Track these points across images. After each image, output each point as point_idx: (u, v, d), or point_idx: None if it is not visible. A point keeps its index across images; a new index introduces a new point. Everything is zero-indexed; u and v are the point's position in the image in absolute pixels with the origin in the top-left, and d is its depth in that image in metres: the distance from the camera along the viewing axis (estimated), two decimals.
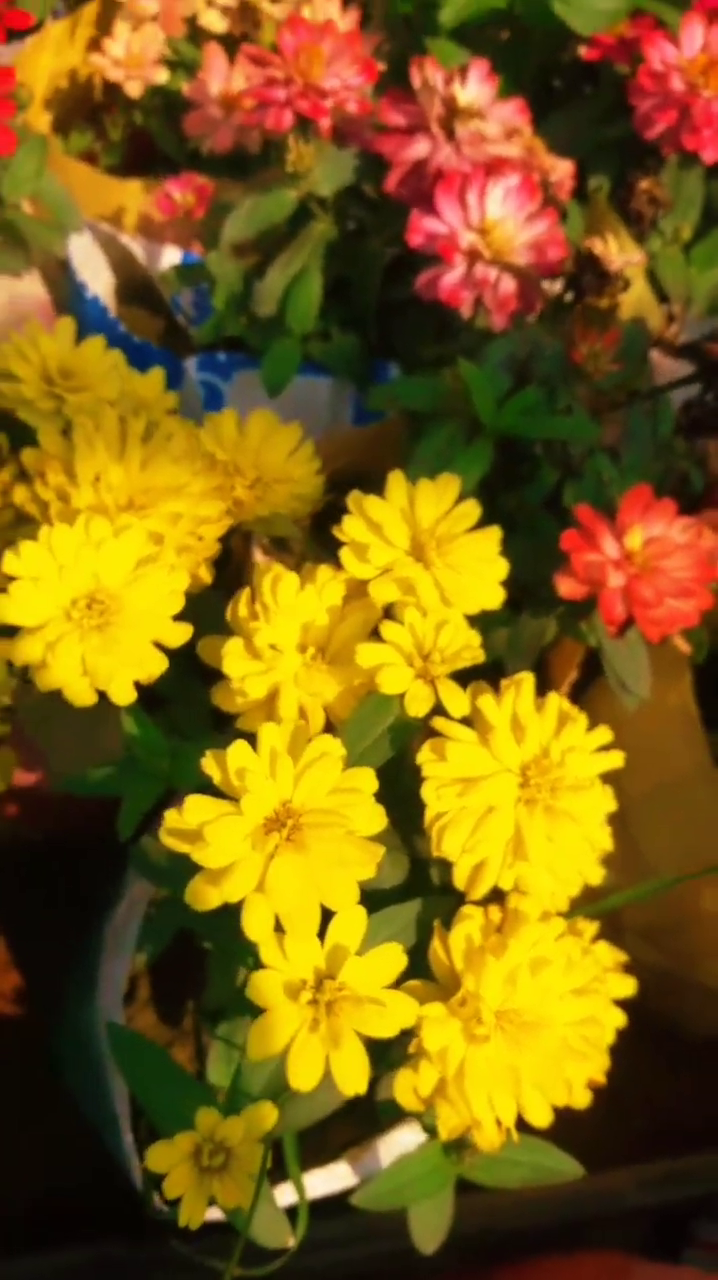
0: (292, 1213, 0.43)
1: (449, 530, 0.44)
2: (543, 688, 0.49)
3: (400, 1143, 0.48)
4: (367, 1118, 0.45)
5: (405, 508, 0.44)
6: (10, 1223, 0.59)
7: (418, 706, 0.40)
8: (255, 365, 0.65)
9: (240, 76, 0.67)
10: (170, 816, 0.36)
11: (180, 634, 0.42)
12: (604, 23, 0.68)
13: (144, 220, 0.71)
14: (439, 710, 0.41)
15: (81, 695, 0.40)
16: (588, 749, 0.42)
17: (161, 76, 0.70)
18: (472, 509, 0.45)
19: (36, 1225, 0.59)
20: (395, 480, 0.44)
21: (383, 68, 0.70)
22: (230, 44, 0.70)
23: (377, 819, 0.37)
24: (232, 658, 0.42)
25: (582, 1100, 0.41)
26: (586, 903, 0.44)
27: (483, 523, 0.45)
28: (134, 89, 0.70)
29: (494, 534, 0.45)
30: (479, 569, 0.44)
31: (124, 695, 0.41)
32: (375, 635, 0.42)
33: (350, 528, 0.43)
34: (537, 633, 0.55)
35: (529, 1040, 0.39)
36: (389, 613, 0.43)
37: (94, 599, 0.41)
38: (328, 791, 0.36)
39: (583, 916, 0.48)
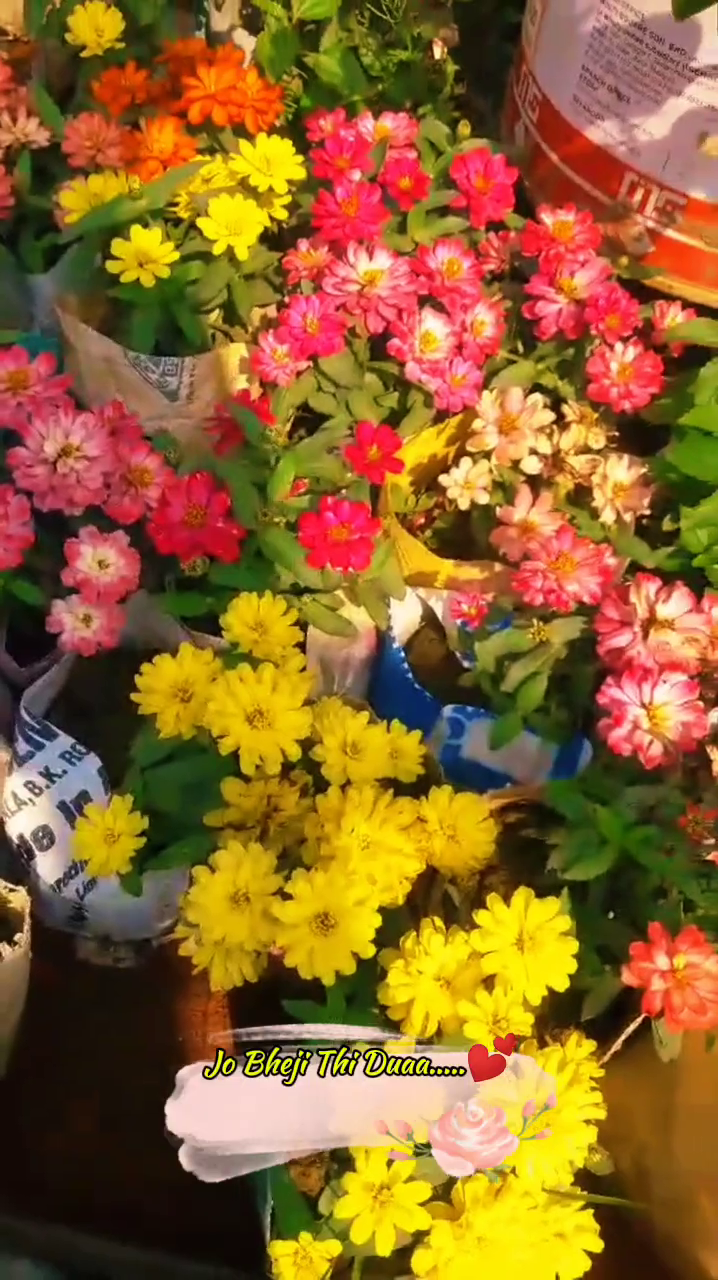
0: None
1: (543, 937, 0.71)
2: None
3: None
4: None
5: (521, 911, 0.72)
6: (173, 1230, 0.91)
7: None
8: (491, 718, 0.95)
9: (538, 512, 0.97)
10: None
11: (370, 950, 0.72)
12: None
13: (451, 582, 1.03)
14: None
15: (306, 973, 0.71)
16: (577, 1123, 0.68)
17: (483, 498, 1.01)
18: (563, 922, 0.72)
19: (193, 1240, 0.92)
20: (520, 893, 0.72)
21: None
22: (539, 483, 1.00)
23: None
24: (393, 971, 0.72)
25: None
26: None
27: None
28: (463, 503, 1.02)
29: (572, 944, 0.72)
30: (557, 963, 0.71)
31: (329, 980, 0.71)
32: (485, 984, 0.70)
33: (483, 918, 0.72)
34: (615, 987, 0.81)
35: (494, 1259, 0.66)
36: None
37: (326, 917, 0.72)
38: None
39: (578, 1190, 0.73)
